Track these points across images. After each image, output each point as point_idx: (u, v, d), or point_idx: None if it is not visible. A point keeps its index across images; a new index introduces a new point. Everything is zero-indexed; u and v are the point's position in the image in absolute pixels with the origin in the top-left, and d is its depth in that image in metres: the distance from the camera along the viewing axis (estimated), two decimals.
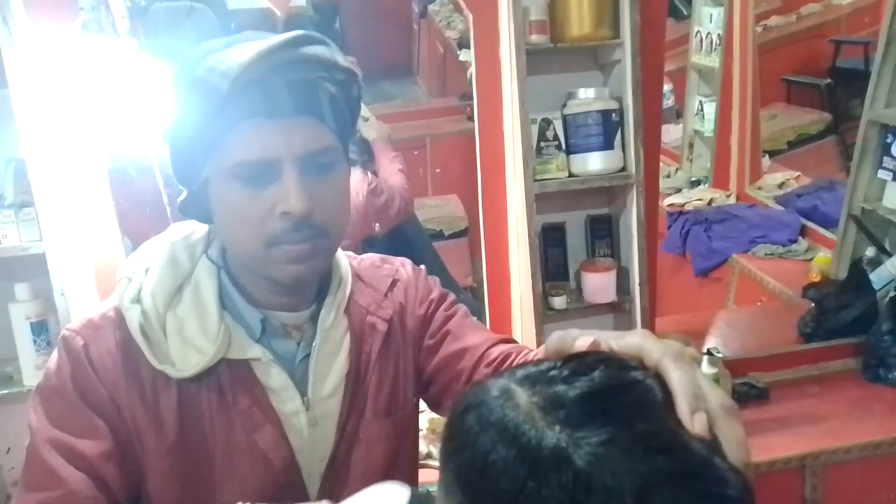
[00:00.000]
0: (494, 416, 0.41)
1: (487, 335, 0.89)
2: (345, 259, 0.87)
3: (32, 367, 1.45)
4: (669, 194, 3.22)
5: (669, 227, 3.06)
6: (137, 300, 0.75)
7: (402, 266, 0.92)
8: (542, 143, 1.64)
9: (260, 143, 0.70)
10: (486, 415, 0.41)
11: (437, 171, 3.51)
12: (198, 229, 0.81)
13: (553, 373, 0.43)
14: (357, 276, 0.87)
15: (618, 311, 1.80)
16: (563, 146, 1.65)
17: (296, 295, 0.79)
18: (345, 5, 4.29)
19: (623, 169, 1.66)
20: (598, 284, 1.74)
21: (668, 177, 3.37)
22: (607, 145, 1.63)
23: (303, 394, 0.79)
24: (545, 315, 1.70)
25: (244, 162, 0.70)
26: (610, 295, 1.74)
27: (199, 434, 0.75)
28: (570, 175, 1.67)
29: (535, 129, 1.62)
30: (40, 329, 1.45)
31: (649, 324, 1.75)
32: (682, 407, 0.41)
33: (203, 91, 0.69)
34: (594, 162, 1.64)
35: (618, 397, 0.41)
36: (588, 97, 1.64)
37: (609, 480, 0.36)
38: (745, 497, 0.38)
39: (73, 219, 1.37)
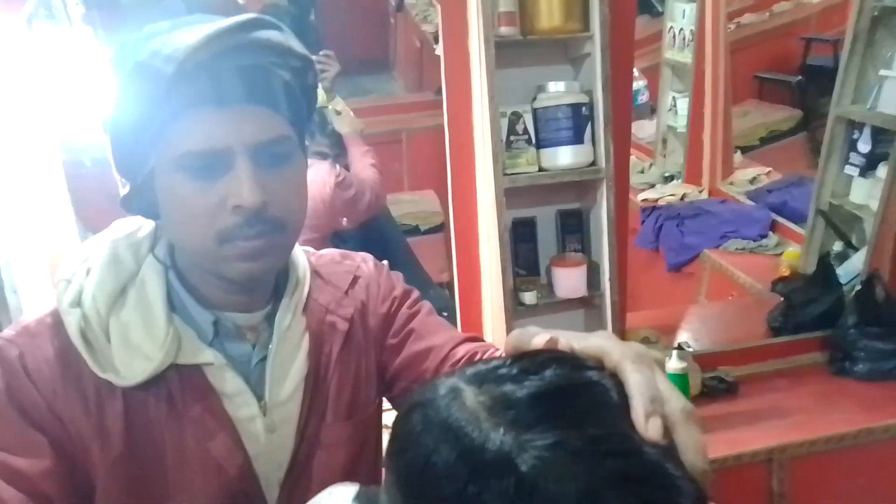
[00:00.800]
0: (439, 415, 0.39)
1: (452, 333, 0.86)
2: (303, 255, 0.84)
3: None
4: (643, 189, 3.24)
5: (643, 222, 3.08)
6: (78, 304, 0.71)
7: (364, 262, 0.89)
8: (512, 137, 1.63)
9: (208, 132, 0.66)
10: (431, 414, 0.40)
11: (413, 165, 3.49)
12: (143, 226, 0.77)
13: (503, 371, 0.41)
14: (316, 273, 0.84)
15: (588, 307, 1.80)
16: (534, 140, 1.64)
17: (250, 294, 0.76)
18: None
19: (593, 163, 1.66)
20: (569, 280, 1.73)
21: (642, 172, 3.39)
22: (577, 139, 1.62)
23: (259, 398, 0.75)
24: (515, 310, 1.69)
25: (192, 152, 0.67)
26: (580, 290, 1.73)
27: (149, 444, 0.72)
28: (541, 169, 1.66)
29: (504, 123, 1.61)
30: None
31: (619, 319, 1.75)
32: (637, 410, 0.39)
33: (146, 76, 0.65)
34: (564, 156, 1.63)
35: (569, 398, 0.39)
36: (558, 91, 1.63)
37: (553, 486, 0.35)
38: None
39: (26, 212, 1.33)
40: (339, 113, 2.25)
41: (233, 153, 0.67)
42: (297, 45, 0.72)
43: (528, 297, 1.71)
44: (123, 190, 0.74)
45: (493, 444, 0.36)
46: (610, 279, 1.72)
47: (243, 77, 0.67)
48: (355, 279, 0.86)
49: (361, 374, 0.83)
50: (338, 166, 2.00)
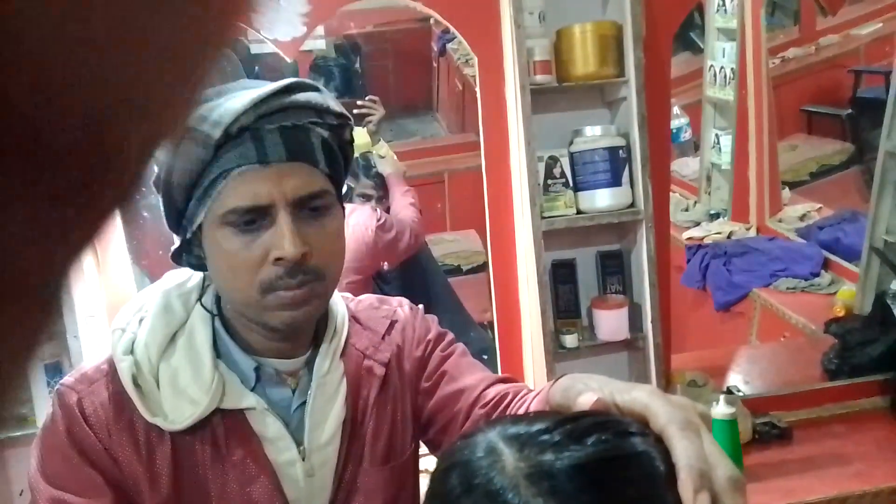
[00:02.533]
0: (479, 478, 0.40)
1: (484, 374, 0.87)
2: (341, 302, 0.87)
3: (46, 409, 1.47)
4: (688, 227, 3.19)
5: (689, 260, 3.02)
6: (130, 351, 0.75)
7: (400, 306, 0.91)
8: (550, 181, 1.64)
9: (252, 190, 0.70)
10: (470, 476, 0.40)
11: (455, 205, 3.52)
12: (192, 276, 0.81)
13: (545, 437, 0.40)
14: (354, 319, 0.86)
15: (631, 349, 1.77)
16: (571, 183, 1.65)
17: (291, 341, 0.79)
18: (365, 45, 4.39)
19: (632, 205, 1.65)
20: (611, 321, 1.71)
21: (687, 210, 3.34)
22: (615, 181, 1.62)
23: (299, 443, 0.77)
24: (556, 353, 1.67)
25: (237, 209, 0.71)
26: (623, 332, 1.71)
27: (195, 487, 0.74)
28: (579, 212, 1.66)
29: (541, 167, 1.63)
30: (54, 371, 1.47)
31: (663, 361, 1.71)
32: (685, 485, 0.38)
33: (195, 140, 0.70)
34: (602, 198, 1.64)
35: (612, 469, 0.39)
36: (594, 134, 1.64)
37: None
38: None
39: (86, 259, 1.40)
40: (382, 156, 2.31)
41: (275, 208, 0.71)
42: (334, 105, 0.76)
43: (570, 340, 1.70)
44: (174, 244, 0.78)
45: None
46: (652, 321, 1.69)
47: (285, 137, 0.71)
48: (392, 324, 0.88)
49: (398, 418, 0.84)
50: (379, 210, 2.05)
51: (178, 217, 0.75)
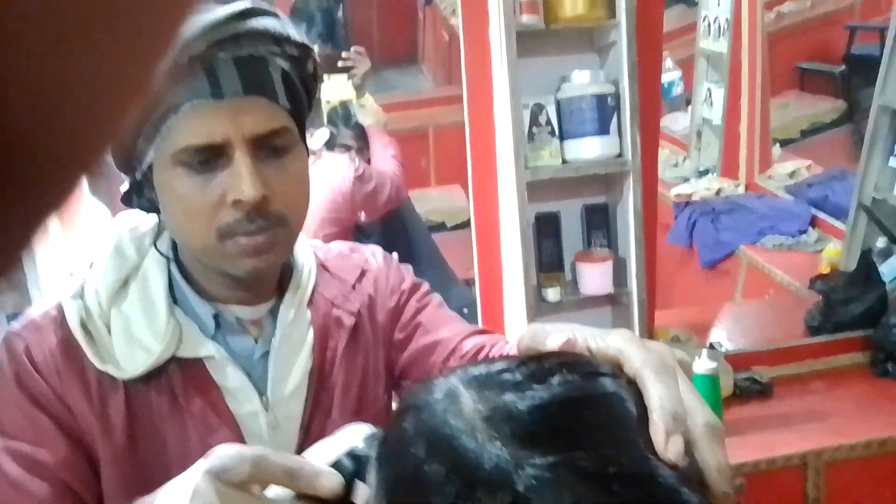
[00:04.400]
0: (433, 422, 0.36)
1: (461, 327, 0.84)
2: (309, 249, 0.82)
3: None
4: (677, 184, 3.15)
5: (676, 217, 2.99)
6: (80, 296, 0.71)
7: (373, 255, 0.87)
8: (535, 129, 1.58)
9: (206, 127, 0.65)
10: (424, 419, 0.36)
11: (440, 160, 3.46)
12: (146, 219, 0.76)
13: (506, 376, 0.37)
14: (323, 267, 0.82)
15: (615, 305, 1.74)
16: (557, 132, 1.59)
17: (253, 289, 0.74)
18: None
19: (619, 155, 1.60)
20: (594, 276, 1.68)
21: (676, 166, 3.30)
22: (602, 131, 1.57)
23: (261, 394, 0.74)
24: (539, 308, 1.64)
25: (190, 147, 0.65)
26: (606, 287, 1.68)
27: (151, 438, 0.71)
28: (564, 162, 1.61)
29: (526, 115, 1.57)
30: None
31: (647, 317, 1.69)
32: (657, 427, 0.35)
33: None
34: (589, 148, 1.58)
35: (578, 411, 0.35)
36: (583, 81, 1.58)
37: None
38: None
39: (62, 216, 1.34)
40: (362, 105, 2.23)
41: (232, 147, 0.65)
42: (295, 33, 0.69)
43: (552, 294, 1.67)
44: (123, 185, 0.73)
45: (489, 460, 0.33)
46: (637, 276, 1.66)
47: (240, 68, 0.66)
48: (363, 273, 0.84)
49: (369, 370, 0.81)
50: (357, 160, 1.98)
51: (126, 156, 0.70)
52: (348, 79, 2.18)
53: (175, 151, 0.66)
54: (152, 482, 0.71)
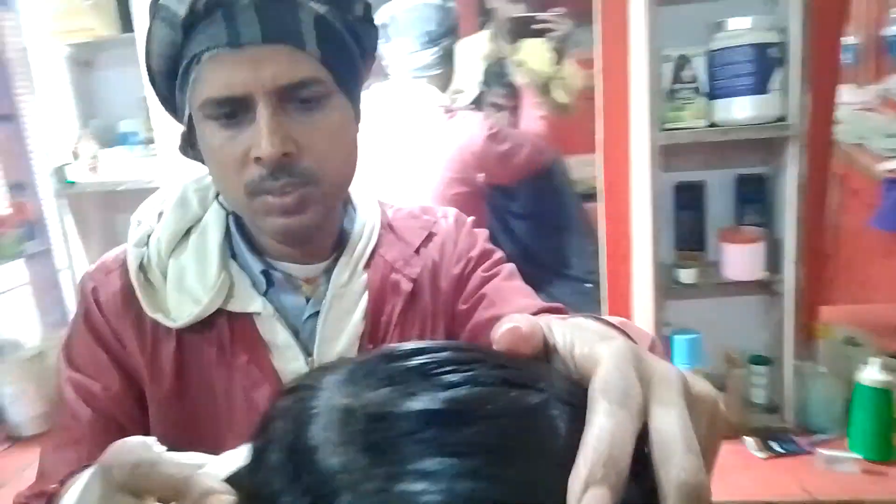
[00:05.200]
0: (302, 407, 0.30)
1: (528, 302, 0.74)
2: (375, 208, 0.78)
3: None
4: (891, 158, 2.63)
5: (885, 197, 2.51)
6: (145, 243, 0.73)
7: (444, 218, 0.80)
8: (677, 86, 1.38)
9: (225, 78, 0.61)
10: (287, 407, 0.31)
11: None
12: None
13: (400, 365, 0.28)
14: (388, 228, 0.78)
15: (766, 293, 1.50)
16: (705, 89, 1.38)
17: (302, 247, 0.72)
18: None
19: (782, 119, 1.35)
20: (742, 258, 1.45)
21: (892, 137, 2.76)
22: (760, 88, 1.32)
23: (308, 354, 0.72)
24: (669, 289, 1.46)
25: (211, 100, 0.63)
26: (755, 272, 1.44)
27: (199, 386, 0.72)
28: (712, 125, 1.39)
29: (668, 68, 1.37)
30: None
31: (805, 311, 1.43)
32: (576, 473, 0.24)
33: (164, 19, 0.63)
34: (741, 108, 1.35)
35: (465, 425, 0.26)
36: (740, 28, 1.34)
37: None
38: None
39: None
40: (520, 64, 2.12)
41: (253, 99, 0.62)
42: None
43: (687, 275, 1.47)
44: (178, 136, 0.73)
45: (321, 466, 0.26)
46: (796, 261, 1.40)
47: (262, 13, 0.61)
48: (430, 236, 0.78)
49: (425, 339, 0.74)
50: (494, 118, 1.88)
51: (168, 107, 0.70)
52: (546, 41, 2.01)
53: (200, 104, 0.63)
54: (199, 427, 0.73)
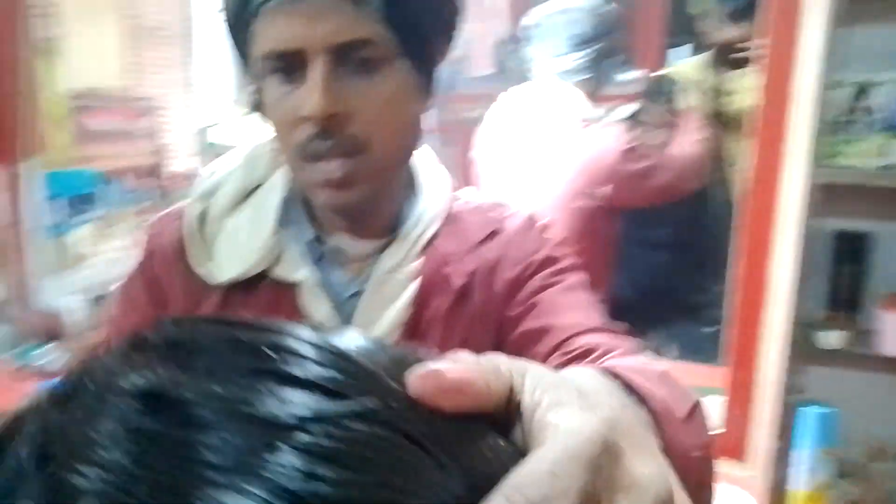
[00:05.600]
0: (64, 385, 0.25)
1: (584, 317, 0.67)
2: (441, 195, 0.73)
3: None
4: None
5: None
6: (209, 196, 0.73)
7: (514, 215, 0.74)
8: (850, 117, 1.17)
9: (280, 32, 0.60)
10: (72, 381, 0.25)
11: None
12: None
13: (135, 357, 0.23)
14: (453, 218, 0.73)
15: None
16: (884, 125, 1.15)
17: (356, 222, 0.69)
18: None
19: None
20: None
21: None
22: None
23: None
24: (807, 353, 1.25)
25: (269, 54, 0.62)
26: None
27: None
28: (887, 167, 1.16)
29: (842, 96, 1.17)
30: None
31: None
32: None
33: None
34: None
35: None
36: None
37: None
38: None
39: None
40: (685, 89, 1.95)
41: (308, 56, 0.60)
42: None
43: (831, 339, 1.25)
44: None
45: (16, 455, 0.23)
46: None
47: None
48: (494, 233, 0.72)
49: (470, 341, 0.68)
50: (634, 134, 1.73)
51: (240, 61, 0.68)
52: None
53: (258, 58, 0.63)
54: None
